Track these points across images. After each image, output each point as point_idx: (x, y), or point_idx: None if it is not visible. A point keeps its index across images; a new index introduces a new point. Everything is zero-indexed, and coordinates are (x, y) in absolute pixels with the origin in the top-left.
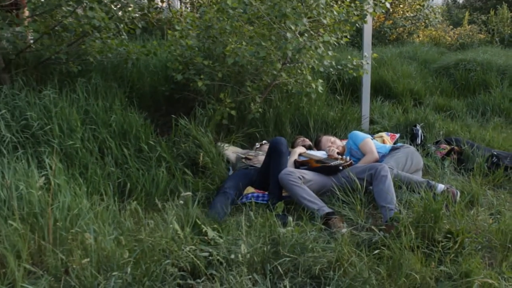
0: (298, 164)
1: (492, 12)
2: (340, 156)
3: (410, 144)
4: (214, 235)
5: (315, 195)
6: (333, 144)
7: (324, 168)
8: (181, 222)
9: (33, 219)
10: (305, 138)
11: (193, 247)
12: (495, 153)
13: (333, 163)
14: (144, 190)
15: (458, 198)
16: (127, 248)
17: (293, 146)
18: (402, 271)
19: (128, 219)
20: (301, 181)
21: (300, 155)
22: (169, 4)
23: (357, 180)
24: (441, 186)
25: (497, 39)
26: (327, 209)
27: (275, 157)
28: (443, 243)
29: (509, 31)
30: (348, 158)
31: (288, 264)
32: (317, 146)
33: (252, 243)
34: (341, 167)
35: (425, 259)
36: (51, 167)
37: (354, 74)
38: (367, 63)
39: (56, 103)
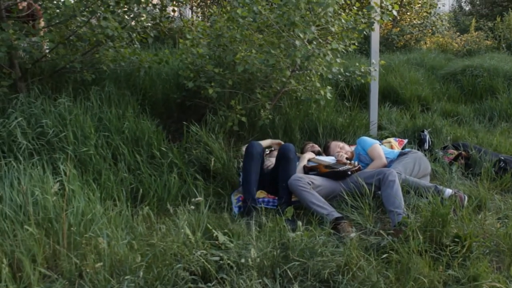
0: (307, 170)
1: (498, 19)
2: (348, 161)
3: (418, 150)
4: (225, 239)
5: (324, 200)
6: (342, 149)
7: (332, 173)
8: (193, 227)
9: (48, 224)
10: (314, 144)
11: (204, 251)
12: (502, 158)
13: (341, 168)
14: (156, 195)
15: (465, 202)
16: (139, 252)
17: (302, 152)
18: (411, 275)
19: (140, 224)
20: (310, 187)
21: (309, 160)
22: (180, 14)
23: (365, 185)
24: (448, 191)
25: (503, 45)
26: (336, 214)
27: (284, 164)
28: (451, 247)
29: None
30: (356, 163)
31: (298, 268)
32: (326, 151)
33: (262, 247)
34: (349, 172)
35: (433, 263)
36: (65, 173)
37: (362, 81)
38: (375, 70)
39: (70, 110)
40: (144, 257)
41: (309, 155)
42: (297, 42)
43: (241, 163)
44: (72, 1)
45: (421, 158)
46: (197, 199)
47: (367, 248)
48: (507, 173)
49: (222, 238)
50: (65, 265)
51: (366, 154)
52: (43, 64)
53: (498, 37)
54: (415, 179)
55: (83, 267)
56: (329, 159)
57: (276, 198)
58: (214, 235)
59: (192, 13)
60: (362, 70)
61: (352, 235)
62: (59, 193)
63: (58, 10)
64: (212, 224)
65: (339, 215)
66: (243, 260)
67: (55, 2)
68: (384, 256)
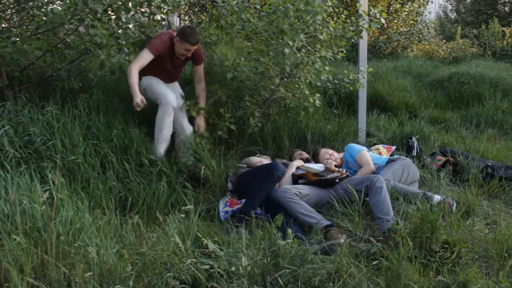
0: (295, 177)
1: (483, 27)
2: (337, 169)
3: (406, 156)
4: (215, 247)
5: (312, 210)
6: (331, 156)
7: (321, 181)
8: (182, 235)
9: (36, 234)
10: (302, 152)
11: (194, 259)
12: (489, 164)
13: (329, 176)
14: (145, 204)
15: (454, 208)
16: (129, 261)
17: (291, 159)
18: (401, 281)
19: (130, 232)
20: (298, 197)
21: (298, 168)
22: (168, 22)
23: (355, 192)
24: (437, 197)
25: (489, 52)
26: (326, 222)
27: (265, 178)
28: (440, 253)
29: (501, 45)
30: (344, 170)
31: (288, 276)
32: (315, 159)
33: (253, 255)
34: (337, 180)
35: (423, 269)
36: (53, 182)
37: (351, 88)
38: (363, 77)
39: (58, 119)
40: (134, 266)
41: (297, 162)
42: (286, 50)
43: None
44: (60, 9)
45: (410, 165)
46: (187, 207)
47: (357, 255)
48: (495, 179)
49: (212, 246)
50: (53, 275)
51: (354, 161)
52: (31, 72)
53: (484, 44)
54: (404, 186)
55: (72, 276)
56: (318, 166)
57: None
58: (204, 243)
59: (180, 21)
60: (351, 77)
61: (342, 240)
62: (47, 202)
63: (45, 18)
64: (202, 232)
65: (328, 222)
66: (233, 268)
67: (43, 10)
68: (374, 263)
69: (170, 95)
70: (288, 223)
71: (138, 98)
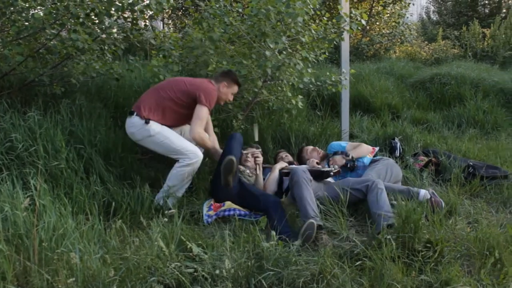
0: (283, 174)
1: (464, 28)
2: (328, 166)
3: (389, 157)
4: (199, 251)
5: (316, 203)
6: (312, 152)
7: (315, 172)
8: (166, 239)
9: (18, 240)
10: (287, 154)
11: (178, 263)
12: (471, 163)
13: (324, 169)
14: (129, 208)
15: (443, 207)
16: (112, 266)
17: (275, 161)
18: (384, 281)
19: (113, 237)
20: (310, 184)
21: (282, 169)
22: (152, 26)
23: (352, 192)
24: (422, 193)
25: (470, 53)
26: (319, 222)
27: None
28: (423, 253)
29: (481, 46)
30: (336, 166)
31: (272, 278)
32: (299, 157)
33: (237, 258)
34: (331, 173)
35: (406, 268)
36: (36, 188)
37: (333, 90)
38: (345, 79)
39: (40, 124)
40: (117, 271)
41: (280, 165)
42: (267, 52)
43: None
44: (42, 14)
45: (393, 165)
46: (170, 211)
47: (341, 255)
48: (476, 178)
49: (196, 249)
50: (36, 282)
51: (344, 148)
52: (12, 77)
53: (464, 45)
54: (389, 183)
55: (54, 283)
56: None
57: (249, 211)
58: (188, 246)
59: (163, 25)
60: (333, 79)
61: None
62: (29, 208)
63: (27, 23)
64: (186, 236)
65: (320, 223)
66: (217, 272)
67: (24, 14)
68: (358, 263)
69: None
70: (273, 225)
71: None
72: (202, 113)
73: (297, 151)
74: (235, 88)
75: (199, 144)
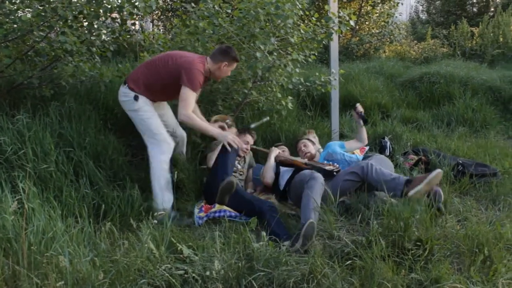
0: (278, 162)
1: (453, 27)
2: (327, 163)
3: None
4: (189, 252)
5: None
6: (306, 148)
7: (320, 170)
8: (156, 241)
9: (7, 244)
10: (285, 148)
11: (168, 265)
12: (460, 161)
13: (327, 168)
14: (119, 210)
15: (442, 199)
16: (102, 269)
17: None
18: (374, 280)
19: (103, 240)
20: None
21: (277, 157)
22: (141, 27)
23: (348, 177)
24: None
25: (458, 52)
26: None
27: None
28: (413, 251)
29: (470, 45)
30: (336, 164)
31: (263, 278)
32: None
33: (227, 259)
34: (334, 173)
35: (396, 267)
36: (25, 191)
37: (323, 90)
38: (335, 79)
39: (29, 127)
40: (107, 274)
41: (274, 153)
42: (258, 54)
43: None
44: (29, 16)
45: (384, 159)
46: (159, 213)
47: (331, 255)
48: (465, 176)
49: (186, 251)
50: (25, 286)
51: (344, 146)
52: (0, 80)
53: (453, 44)
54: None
55: (44, 287)
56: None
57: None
58: (179, 248)
59: (153, 26)
60: (322, 79)
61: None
62: (18, 212)
63: (15, 25)
64: (176, 237)
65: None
66: (208, 273)
67: (12, 17)
68: (348, 262)
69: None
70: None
71: (228, 133)
72: (185, 95)
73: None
74: (234, 65)
75: (188, 125)
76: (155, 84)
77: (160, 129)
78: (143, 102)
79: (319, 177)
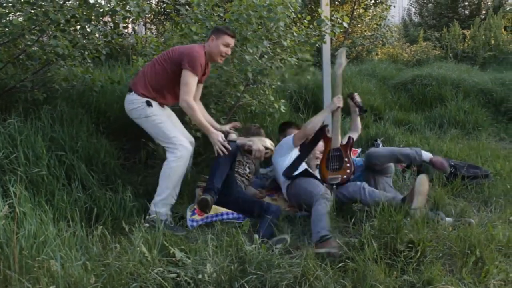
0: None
1: (445, 30)
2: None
3: None
4: (182, 256)
5: None
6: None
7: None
8: (149, 245)
9: None
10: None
11: (161, 269)
12: (452, 163)
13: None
14: (111, 214)
15: (447, 169)
16: (94, 273)
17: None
18: (367, 282)
19: (95, 244)
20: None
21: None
22: (134, 30)
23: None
24: (427, 154)
25: (450, 54)
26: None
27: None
28: (405, 253)
29: (461, 47)
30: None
31: (255, 281)
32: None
33: (219, 262)
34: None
35: (389, 269)
36: (16, 195)
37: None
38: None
39: (21, 131)
40: (99, 277)
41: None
42: (247, 57)
43: None
44: (21, 20)
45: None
46: (151, 216)
47: (324, 258)
48: (458, 178)
49: (179, 254)
50: None
51: None
52: None
53: (445, 46)
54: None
55: None
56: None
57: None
58: (171, 251)
59: (146, 30)
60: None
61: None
62: (9, 216)
63: (6, 29)
64: (168, 241)
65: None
66: (200, 276)
67: (3, 20)
68: (340, 265)
69: (187, 142)
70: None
71: (219, 136)
72: (186, 78)
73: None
74: (225, 38)
75: (187, 113)
76: (163, 82)
77: (175, 132)
78: (156, 107)
79: (330, 198)
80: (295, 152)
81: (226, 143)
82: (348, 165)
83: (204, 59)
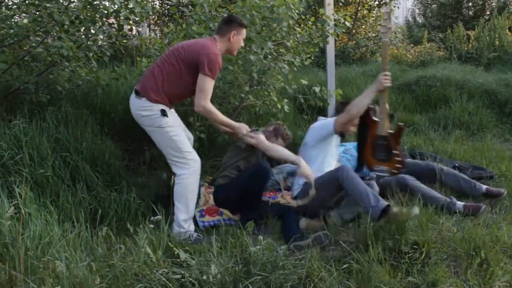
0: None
1: (449, 30)
2: None
3: None
4: (186, 257)
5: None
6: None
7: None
8: (153, 246)
9: (4, 249)
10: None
11: (165, 270)
12: (457, 164)
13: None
14: (116, 215)
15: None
16: (99, 274)
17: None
18: (371, 284)
19: (100, 245)
20: None
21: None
22: (138, 32)
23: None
24: (459, 204)
25: (454, 55)
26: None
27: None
28: (409, 254)
29: (466, 48)
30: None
31: (260, 282)
32: None
33: (224, 263)
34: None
35: (393, 271)
36: (21, 196)
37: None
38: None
39: (26, 132)
40: (104, 278)
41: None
42: (252, 57)
43: None
44: (26, 21)
45: None
46: (156, 217)
47: (328, 259)
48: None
49: (183, 255)
50: None
51: None
52: None
53: (450, 47)
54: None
55: None
56: None
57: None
58: (176, 253)
59: (150, 31)
60: (317, 92)
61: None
62: (15, 217)
63: (11, 31)
64: (173, 241)
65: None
66: (204, 277)
67: (8, 22)
68: (345, 266)
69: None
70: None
71: (243, 129)
72: (204, 84)
73: None
74: (244, 32)
75: (206, 117)
76: (175, 84)
77: (189, 147)
78: (171, 116)
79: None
80: (335, 140)
81: (251, 133)
82: (397, 158)
83: (221, 58)
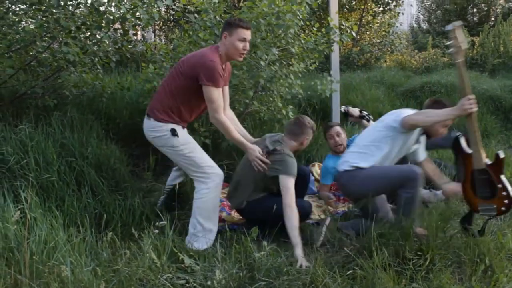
0: None
1: None
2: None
3: None
4: (191, 262)
5: None
6: (339, 137)
7: None
8: (158, 251)
9: (9, 254)
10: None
11: (170, 275)
12: None
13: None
14: (120, 220)
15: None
16: (104, 279)
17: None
18: None
19: (105, 250)
20: None
21: None
22: (143, 37)
23: None
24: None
25: None
26: None
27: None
28: (414, 261)
29: (470, 54)
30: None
31: None
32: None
33: (228, 268)
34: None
35: (397, 277)
36: (27, 201)
37: (325, 94)
38: (337, 82)
39: (32, 137)
40: (108, 283)
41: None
42: (262, 63)
43: None
44: (32, 27)
45: None
46: (161, 222)
47: (332, 265)
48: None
49: (188, 261)
50: None
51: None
52: (3, 90)
53: None
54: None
55: None
56: None
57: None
58: (180, 258)
59: (155, 37)
60: (319, 87)
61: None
62: (20, 221)
63: (18, 36)
64: (177, 247)
65: None
66: (209, 283)
67: (15, 28)
68: (349, 272)
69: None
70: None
71: (257, 152)
72: (209, 95)
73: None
74: (240, 32)
75: (220, 129)
76: (179, 100)
77: (207, 160)
78: (182, 135)
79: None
80: (401, 138)
81: (264, 158)
82: (504, 193)
83: (220, 65)
